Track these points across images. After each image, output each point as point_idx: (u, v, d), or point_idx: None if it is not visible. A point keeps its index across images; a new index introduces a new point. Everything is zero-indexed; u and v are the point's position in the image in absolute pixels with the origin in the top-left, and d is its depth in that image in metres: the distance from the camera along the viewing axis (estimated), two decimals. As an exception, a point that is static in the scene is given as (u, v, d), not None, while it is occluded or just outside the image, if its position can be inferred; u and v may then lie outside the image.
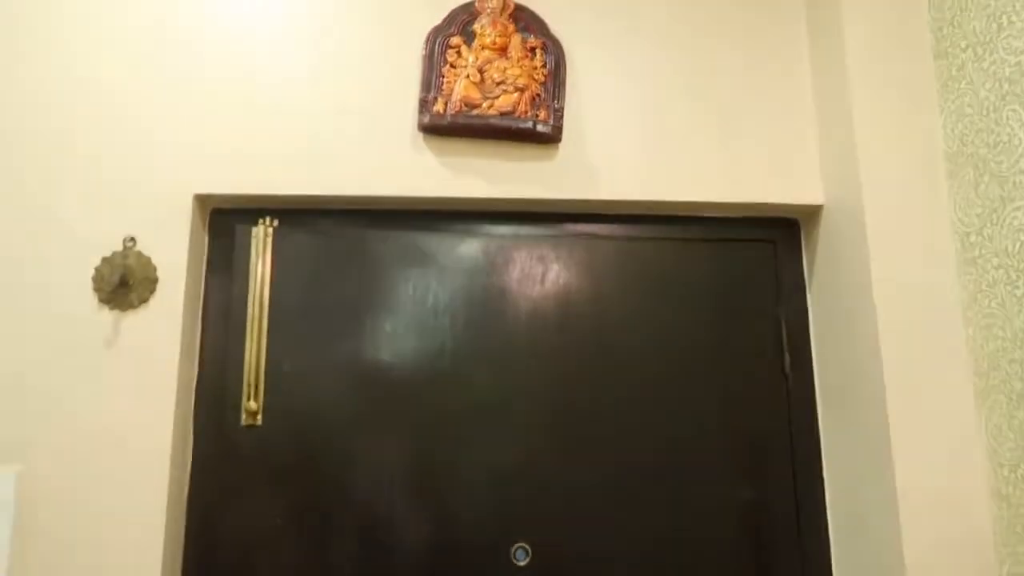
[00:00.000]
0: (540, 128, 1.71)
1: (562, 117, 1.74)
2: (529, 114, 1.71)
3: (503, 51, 1.76)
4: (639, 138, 1.79)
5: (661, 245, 1.85)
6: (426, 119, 1.71)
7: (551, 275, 1.81)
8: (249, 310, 1.71)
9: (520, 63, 1.74)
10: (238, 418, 1.67)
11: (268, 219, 1.76)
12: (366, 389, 1.71)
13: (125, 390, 1.58)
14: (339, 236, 1.78)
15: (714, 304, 1.83)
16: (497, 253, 1.81)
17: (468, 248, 1.81)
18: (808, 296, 1.85)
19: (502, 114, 1.71)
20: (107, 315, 1.61)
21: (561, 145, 1.76)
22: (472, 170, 1.74)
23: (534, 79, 1.74)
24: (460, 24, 1.79)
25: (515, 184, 1.75)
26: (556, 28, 1.81)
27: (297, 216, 1.77)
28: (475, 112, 1.71)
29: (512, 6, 1.80)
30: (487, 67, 1.74)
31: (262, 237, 1.74)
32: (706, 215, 1.87)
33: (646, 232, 1.85)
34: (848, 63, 1.68)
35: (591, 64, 1.82)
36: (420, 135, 1.74)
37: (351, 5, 1.81)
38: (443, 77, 1.74)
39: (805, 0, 1.88)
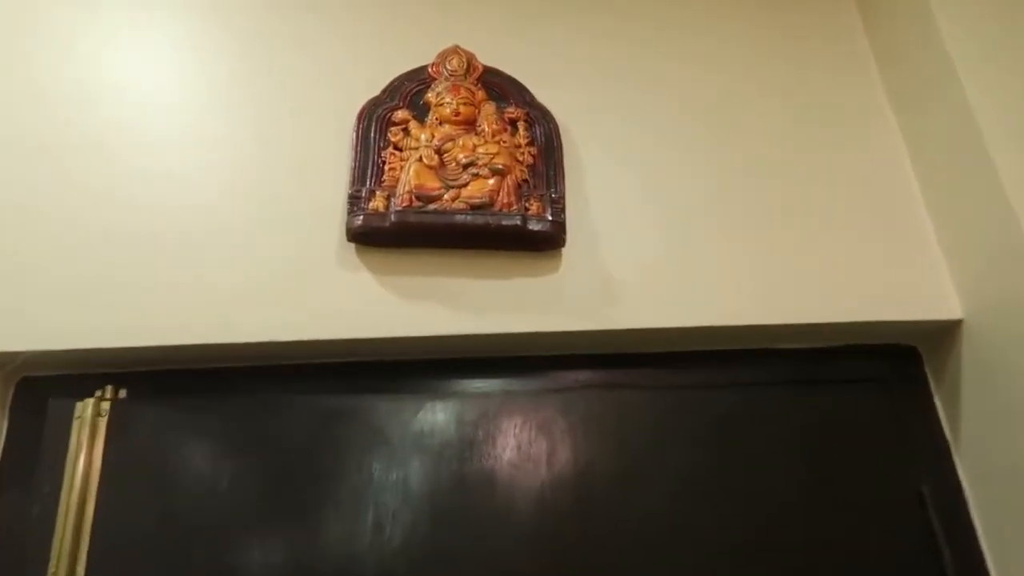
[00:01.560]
0: (533, 226, 1.13)
1: (563, 211, 1.17)
2: (515, 206, 1.13)
3: (470, 124, 1.21)
4: (677, 240, 1.21)
5: (725, 395, 1.21)
6: (359, 221, 1.12)
7: (563, 452, 1.15)
8: (56, 543, 1.00)
9: (496, 139, 1.19)
10: None
11: (108, 389, 1.10)
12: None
13: None
14: (224, 409, 1.12)
15: (811, 483, 1.17)
16: (477, 423, 1.15)
17: (432, 417, 1.15)
18: (956, 459, 1.21)
19: (473, 207, 1.12)
20: None
21: (566, 251, 1.17)
22: (432, 294, 1.13)
23: (517, 160, 1.19)
24: (406, 95, 1.25)
25: (500, 313, 1.13)
26: (544, 95, 1.28)
27: (156, 381, 1.12)
28: (433, 207, 1.13)
29: (480, 69, 1.28)
30: (448, 146, 1.18)
31: (90, 418, 1.06)
32: (780, 347, 1.27)
33: (698, 377, 1.23)
34: (979, 121, 1.15)
35: (600, 139, 1.28)
36: (350, 247, 1.15)
37: (244, 72, 1.27)
38: (384, 162, 1.18)
39: (878, 59, 1.40)
